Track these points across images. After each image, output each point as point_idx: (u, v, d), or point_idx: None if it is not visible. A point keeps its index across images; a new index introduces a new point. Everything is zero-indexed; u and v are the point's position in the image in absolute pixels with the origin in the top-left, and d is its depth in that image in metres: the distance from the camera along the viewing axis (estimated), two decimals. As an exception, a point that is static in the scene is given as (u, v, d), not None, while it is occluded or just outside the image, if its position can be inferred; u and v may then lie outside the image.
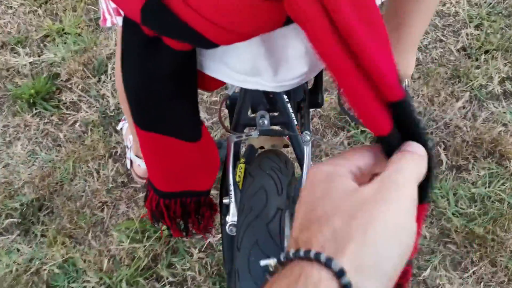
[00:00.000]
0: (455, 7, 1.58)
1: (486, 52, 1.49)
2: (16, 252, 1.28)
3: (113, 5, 0.77)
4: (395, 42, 0.91)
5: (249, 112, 0.92)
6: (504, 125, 1.38)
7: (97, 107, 1.57)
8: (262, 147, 0.98)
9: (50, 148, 1.49)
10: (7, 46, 1.78)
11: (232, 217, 0.79)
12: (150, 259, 1.24)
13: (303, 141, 0.87)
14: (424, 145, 0.36)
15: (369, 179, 0.34)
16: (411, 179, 0.32)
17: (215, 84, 0.66)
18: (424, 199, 0.36)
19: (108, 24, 0.78)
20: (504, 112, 1.40)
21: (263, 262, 0.32)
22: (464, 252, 1.20)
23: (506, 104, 1.41)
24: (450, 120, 1.40)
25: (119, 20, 0.71)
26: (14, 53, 1.75)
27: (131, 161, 1.31)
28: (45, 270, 1.24)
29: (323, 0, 0.34)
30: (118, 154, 1.46)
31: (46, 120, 1.56)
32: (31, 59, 1.72)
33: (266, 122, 0.87)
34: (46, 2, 1.91)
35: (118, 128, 1.46)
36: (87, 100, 1.59)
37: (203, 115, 1.52)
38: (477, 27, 1.54)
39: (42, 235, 1.30)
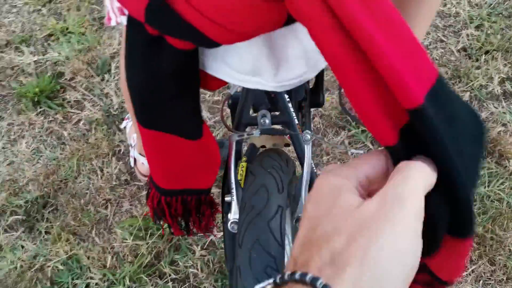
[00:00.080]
0: (455, 8, 1.59)
1: (487, 52, 1.50)
2: (20, 249, 1.30)
3: (117, 4, 0.79)
4: None
5: (250, 112, 0.94)
6: (504, 125, 1.39)
7: (101, 105, 1.58)
8: (263, 146, 0.99)
9: (54, 146, 1.51)
10: (11, 44, 1.80)
11: (234, 215, 0.80)
12: (153, 256, 1.25)
13: (303, 140, 0.88)
14: (444, 164, 0.32)
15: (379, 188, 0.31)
16: (416, 191, 0.29)
17: (217, 84, 0.68)
18: (464, 232, 0.33)
19: (113, 23, 0.79)
20: (504, 113, 1.41)
21: (258, 286, 0.30)
22: (463, 250, 1.21)
23: (506, 105, 1.42)
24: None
25: (123, 20, 0.73)
26: (19, 51, 1.77)
27: (135, 159, 1.33)
28: (49, 266, 1.26)
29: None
30: (121, 152, 1.47)
31: (50, 119, 1.57)
32: (35, 58, 1.74)
33: (267, 121, 0.89)
34: (50, 1, 1.93)
35: (122, 127, 1.48)
36: (91, 98, 1.60)
37: (205, 114, 1.54)
38: (477, 27, 1.55)
39: (46, 232, 1.32)
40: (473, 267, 1.19)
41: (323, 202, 0.30)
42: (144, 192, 1.38)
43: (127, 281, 1.21)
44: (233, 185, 0.83)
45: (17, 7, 1.94)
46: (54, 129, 1.55)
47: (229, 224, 0.80)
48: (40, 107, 1.60)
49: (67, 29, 1.82)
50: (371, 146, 1.39)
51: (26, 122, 1.57)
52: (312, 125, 1.29)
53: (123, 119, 1.52)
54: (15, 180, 1.43)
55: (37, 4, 1.91)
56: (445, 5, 1.59)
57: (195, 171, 0.75)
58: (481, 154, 0.37)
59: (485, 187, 1.29)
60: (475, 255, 1.20)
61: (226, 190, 0.89)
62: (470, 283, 1.17)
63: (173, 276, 1.22)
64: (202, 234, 0.88)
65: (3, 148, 1.52)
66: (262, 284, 0.30)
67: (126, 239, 1.28)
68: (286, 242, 0.91)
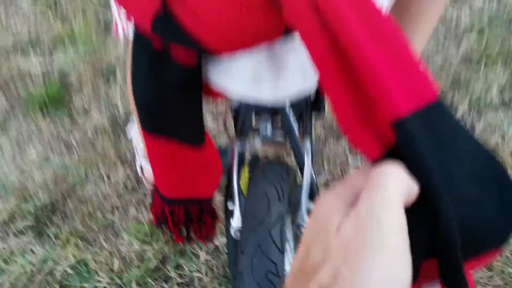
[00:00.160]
0: (457, 13, 1.61)
1: (486, 60, 1.53)
2: (30, 254, 1.33)
3: (124, 18, 0.82)
4: None
5: (253, 121, 0.97)
6: (502, 135, 1.41)
7: (107, 112, 1.62)
8: (266, 154, 1.03)
9: (63, 153, 1.55)
10: (17, 48, 1.84)
11: (236, 222, 0.83)
12: (159, 260, 1.29)
13: (303, 149, 0.92)
14: (430, 188, 0.29)
15: None
16: (392, 203, 0.26)
17: (219, 95, 0.71)
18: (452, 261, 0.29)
19: (120, 33, 0.83)
20: (502, 122, 1.43)
21: None
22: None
23: (504, 114, 1.45)
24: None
25: (130, 32, 0.76)
26: (25, 55, 1.81)
27: (142, 168, 1.36)
28: (58, 270, 1.29)
29: (319, 5, 0.35)
30: (128, 159, 1.51)
31: (58, 126, 1.61)
32: (41, 61, 1.77)
33: (268, 130, 0.92)
34: (55, 4, 1.96)
35: (128, 137, 1.52)
36: (97, 105, 1.64)
37: (209, 124, 1.57)
38: (478, 34, 1.57)
39: (55, 237, 1.36)
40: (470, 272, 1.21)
41: (315, 226, 0.29)
42: (150, 199, 1.41)
43: (134, 285, 1.24)
44: (236, 194, 0.86)
45: (23, 9, 1.97)
46: (62, 137, 1.59)
47: (232, 231, 0.83)
48: (48, 113, 1.63)
49: (73, 33, 1.85)
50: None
51: (35, 129, 1.61)
52: (313, 134, 1.32)
53: (128, 123, 1.55)
54: (25, 186, 1.47)
55: (43, 6, 1.94)
56: (446, 12, 1.62)
57: (197, 180, 0.78)
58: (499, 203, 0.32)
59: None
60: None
61: (229, 198, 0.92)
62: (469, 288, 1.20)
63: (178, 280, 1.26)
64: (202, 241, 0.91)
65: (13, 155, 1.56)
66: None
67: (133, 244, 1.31)
68: (288, 248, 0.95)
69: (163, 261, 1.29)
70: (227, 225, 0.93)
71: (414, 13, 0.89)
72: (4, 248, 1.35)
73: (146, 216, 1.38)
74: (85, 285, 1.27)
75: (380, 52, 0.32)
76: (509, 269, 1.20)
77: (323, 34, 0.34)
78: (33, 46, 1.82)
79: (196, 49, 0.52)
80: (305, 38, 0.36)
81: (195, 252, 1.29)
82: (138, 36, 0.57)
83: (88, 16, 1.87)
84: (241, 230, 0.80)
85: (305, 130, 1.06)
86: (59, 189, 1.45)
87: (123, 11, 0.86)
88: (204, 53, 0.53)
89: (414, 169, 0.29)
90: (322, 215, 0.28)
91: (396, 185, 0.27)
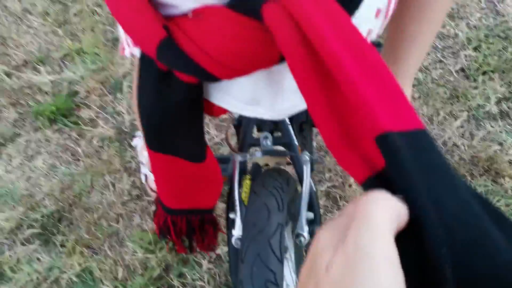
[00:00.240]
0: (454, 30, 1.64)
1: (484, 73, 1.55)
2: (36, 261, 1.36)
3: (131, 42, 0.86)
4: (396, 76, 0.97)
5: (254, 133, 1.00)
6: (500, 144, 1.44)
7: (113, 123, 1.66)
8: (267, 164, 1.05)
9: (69, 162, 1.58)
10: (29, 64, 1.89)
11: (237, 231, 0.86)
12: (162, 269, 1.31)
13: (303, 161, 0.94)
14: (414, 203, 0.28)
15: None
16: (381, 234, 0.25)
17: (220, 111, 0.74)
18: None
19: (127, 54, 0.86)
20: (500, 132, 1.46)
21: None
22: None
23: (502, 124, 1.47)
24: (449, 138, 1.46)
25: (136, 52, 0.80)
26: (36, 71, 1.86)
27: (146, 176, 1.40)
28: (64, 278, 1.32)
29: (308, 39, 0.38)
30: (132, 168, 1.54)
31: (65, 136, 1.65)
32: (51, 77, 1.82)
33: (269, 142, 0.95)
34: (65, 22, 2.02)
35: (133, 145, 1.55)
36: (104, 116, 1.68)
37: (213, 132, 1.60)
38: (475, 49, 1.60)
39: (61, 245, 1.39)
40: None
41: (308, 264, 0.28)
42: (154, 207, 1.44)
43: (138, 292, 1.27)
44: (237, 203, 0.89)
45: (34, 28, 2.03)
46: (69, 146, 1.62)
47: (233, 240, 0.86)
48: (56, 125, 1.67)
49: (82, 49, 1.90)
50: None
51: (43, 139, 1.65)
52: (314, 145, 1.35)
53: (134, 136, 1.59)
54: (32, 195, 1.51)
55: (53, 25, 2.00)
56: (444, 26, 1.65)
57: (199, 192, 0.81)
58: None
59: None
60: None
61: (230, 207, 0.95)
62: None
63: (181, 288, 1.28)
64: (204, 251, 0.94)
65: (21, 164, 1.59)
66: None
67: (137, 252, 1.34)
68: (288, 256, 0.97)
69: (166, 269, 1.32)
70: (229, 234, 0.96)
71: (412, 33, 0.91)
72: (10, 256, 1.38)
73: (150, 224, 1.40)
74: (90, 292, 1.29)
75: (368, 82, 0.34)
76: None
77: (311, 65, 0.37)
78: (43, 62, 1.86)
79: (198, 76, 0.55)
80: (293, 69, 0.39)
81: (197, 260, 1.32)
82: (144, 58, 0.60)
83: (96, 33, 1.91)
84: (242, 239, 0.82)
85: (305, 141, 1.09)
86: (66, 197, 1.49)
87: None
88: (206, 79, 0.56)
89: (400, 187, 0.29)
90: (314, 252, 0.27)
91: (383, 214, 0.26)
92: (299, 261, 1.00)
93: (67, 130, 1.66)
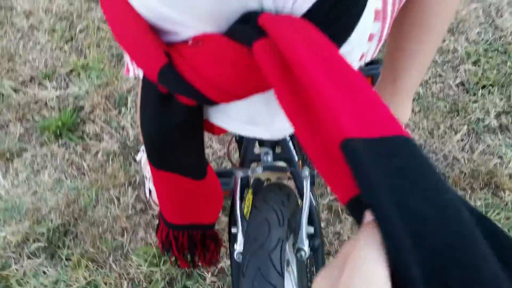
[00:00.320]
0: (453, 44, 1.67)
1: (483, 87, 1.57)
2: (42, 275, 1.38)
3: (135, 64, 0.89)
4: (392, 94, 0.99)
5: (255, 148, 1.02)
6: (500, 157, 1.45)
7: (117, 137, 1.69)
8: (269, 179, 1.07)
9: (75, 176, 1.61)
10: (35, 80, 1.93)
11: (239, 246, 0.88)
12: (167, 282, 1.33)
13: (303, 176, 0.96)
14: (378, 212, 0.27)
15: None
16: (373, 277, 0.25)
17: (220, 130, 0.77)
18: None
19: (131, 75, 0.89)
20: (500, 145, 1.47)
21: None
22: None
23: (502, 137, 1.49)
24: (449, 152, 1.48)
25: (140, 73, 0.82)
26: (42, 86, 1.89)
27: (150, 190, 1.42)
28: (69, 291, 1.34)
29: (289, 62, 0.41)
30: (137, 182, 1.57)
31: (71, 150, 1.68)
32: (57, 93, 1.86)
33: (269, 158, 0.97)
34: (72, 39, 2.06)
35: (137, 159, 1.57)
36: (109, 131, 1.71)
37: (215, 145, 1.63)
38: (474, 63, 1.62)
39: (67, 259, 1.40)
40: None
41: None
42: (157, 221, 1.46)
43: (142, 306, 1.28)
44: (239, 219, 0.91)
45: (41, 44, 2.07)
46: (75, 160, 1.65)
47: (235, 254, 0.87)
48: (62, 139, 1.70)
49: (87, 65, 1.94)
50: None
51: (49, 153, 1.68)
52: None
53: (138, 151, 1.61)
54: (38, 209, 1.53)
55: (60, 42, 2.04)
56: (443, 41, 1.67)
57: (200, 208, 0.83)
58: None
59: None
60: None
61: (232, 221, 0.97)
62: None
63: (184, 301, 1.30)
64: (206, 266, 0.95)
65: (27, 178, 1.62)
66: None
67: (141, 266, 1.36)
68: (290, 270, 0.99)
69: (171, 282, 1.33)
70: (231, 248, 0.98)
71: (410, 52, 0.93)
72: (17, 269, 1.40)
73: (154, 238, 1.42)
74: (95, 305, 1.31)
75: (342, 98, 0.36)
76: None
77: (293, 99, 0.40)
78: (49, 78, 1.90)
79: (197, 100, 0.57)
80: (279, 97, 0.42)
81: (201, 274, 1.33)
82: (146, 80, 0.63)
83: (101, 49, 1.95)
84: (243, 254, 0.84)
85: (305, 156, 1.11)
86: (71, 211, 1.51)
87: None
88: (204, 102, 0.59)
89: (362, 192, 0.30)
90: None
91: (376, 263, 0.25)
92: (301, 274, 1.01)
93: (72, 145, 1.69)
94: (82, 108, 1.79)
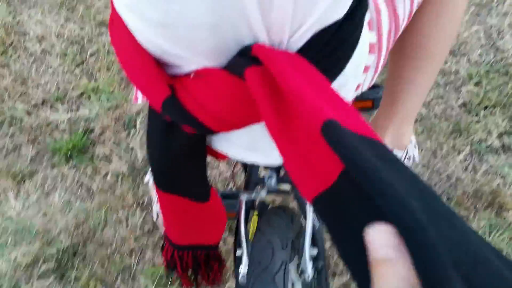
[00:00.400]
0: (455, 66, 1.70)
1: (485, 108, 1.59)
2: (52, 295, 1.41)
3: None
4: (390, 117, 1.01)
5: (260, 172, 1.05)
6: (503, 177, 1.46)
7: (126, 159, 1.72)
8: (273, 201, 1.10)
9: (84, 198, 1.64)
10: (47, 103, 1.97)
11: (244, 268, 0.90)
12: (173, 303, 1.35)
13: (305, 199, 0.99)
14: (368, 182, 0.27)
15: None
16: None
17: (223, 156, 0.79)
18: None
19: (139, 102, 0.93)
20: (503, 165, 1.49)
21: None
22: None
23: (505, 157, 1.50)
24: (452, 172, 1.50)
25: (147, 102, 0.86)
26: (54, 109, 1.94)
27: (157, 213, 1.44)
28: (78, 312, 1.36)
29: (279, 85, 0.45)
30: (145, 203, 1.60)
31: (81, 172, 1.71)
32: (68, 115, 1.90)
33: (273, 182, 1.00)
34: (82, 63, 2.12)
35: (145, 181, 1.60)
36: (118, 152, 1.75)
37: (222, 167, 1.65)
38: (476, 84, 1.65)
39: (76, 280, 1.43)
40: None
41: None
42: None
43: (149, 326, 1.30)
44: (243, 241, 0.93)
45: (53, 68, 2.13)
46: (84, 182, 1.68)
47: (240, 277, 0.90)
48: (72, 161, 1.74)
49: (98, 87, 1.98)
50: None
51: (59, 175, 1.72)
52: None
53: (146, 172, 1.64)
54: (48, 230, 1.56)
55: (71, 65, 2.09)
56: (445, 63, 1.70)
57: (203, 229, 0.86)
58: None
59: (486, 238, 1.35)
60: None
61: (237, 244, 0.99)
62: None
63: (191, 322, 1.31)
64: (210, 286, 0.98)
65: (37, 199, 1.66)
66: None
67: (149, 286, 1.38)
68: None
69: (177, 303, 1.35)
70: (236, 270, 1.00)
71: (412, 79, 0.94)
72: (27, 290, 1.42)
73: (161, 259, 1.44)
74: (103, 326, 1.33)
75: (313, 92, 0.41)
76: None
77: (282, 127, 0.44)
78: (61, 101, 1.95)
79: (198, 130, 0.60)
80: (266, 121, 0.46)
81: (207, 294, 1.35)
82: (151, 108, 0.66)
83: (112, 73, 2.00)
84: (247, 276, 0.86)
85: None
86: (80, 232, 1.54)
87: None
88: (205, 132, 0.62)
89: (349, 160, 0.30)
90: None
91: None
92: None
93: (82, 166, 1.72)
94: (92, 130, 1.83)
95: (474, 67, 1.68)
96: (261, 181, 1.02)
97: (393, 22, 0.69)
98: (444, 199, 1.45)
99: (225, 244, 1.43)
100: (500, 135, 1.54)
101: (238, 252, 0.95)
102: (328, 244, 1.44)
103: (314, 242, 0.98)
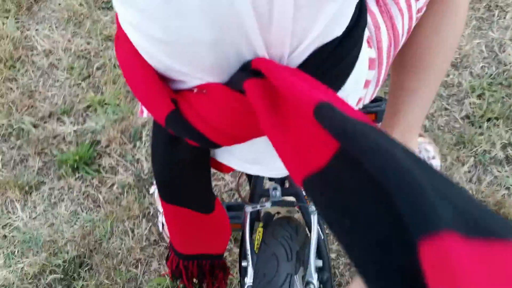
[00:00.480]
0: (458, 79, 1.71)
1: (489, 120, 1.60)
2: (58, 306, 1.42)
3: None
4: (392, 127, 1.02)
5: (265, 183, 1.06)
6: (507, 188, 1.47)
7: (132, 170, 1.74)
8: (278, 212, 1.11)
9: (90, 209, 1.66)
10: (54, 115, 2.00)
11: (249, 280, 0.91)
12: (178, 314, 1.35)
13: (310, 211, 1.00)
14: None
15: None
16: None
17: (228, 168, 0.81)
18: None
19: (145, 116, 0.95)
20: (507, 176, 1.49)
21: None
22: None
23: (509, 169, 1.51)
24: (457, 183, 1.50)
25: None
26: (61, 122, 1.97)
27: (163, 224, 1.46)
28: (84, 323, 1.37)
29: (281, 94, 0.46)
30: (151, 214, 1.61)
31: (87, 183, 1.73)
32: (75, 128, 1.93)
33: (278, 193, 1.01)
34: (89, 76, 2.15)
35: (151, 192, 1.62)
36: (124, 164, 1.76)
37: (227, 178, 1.67)
38: (479, 96, 1.66)
39: (82, 290, 1.44)
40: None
41: None
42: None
43: (154, 337, 1.31)
44: (249, 253, 0.94)
45: (60, 81, 2.16)
46: (91, 193, 1.70)
47: (245, 288, 0.91)
48: (79, 173, 1.76)
49: (104, 100, 2.01)
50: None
51: (66, 186, 1.73)
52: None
53: (152, 183, 1.66)
54: (55, 241, 1.58)
55: (78, 79, 2.12)
56: (448, 75, 1.72)
57: (208, 239, 0.87)
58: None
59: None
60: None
61: (243, 255, 1.00)
62: None
63: (196, 333, 1.31)
64: None
65: (44, 211, 1.67)
66: None
67: (154, 297, 1.39)
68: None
69: (182, 314, 1.36)
70: (241, 281, 1.00)
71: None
72: (34, 300, 1.44)
73: (167, 269, 1.45)
74: (109, 337, 1.33)
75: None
76: None
77: (283, 138, 0.46)
78: (68, 114, 1.97)
79: (201, 144, 0.62)
80: (267, 132, 0.47)
81: (212, 305, 1.36)
82: (155, 122, 0.68)
83: (118, 86, 2.02)
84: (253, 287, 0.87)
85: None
86: (86, 243, 1.55)
87: None
88: (208, 146, 0.63)
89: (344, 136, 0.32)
90: None
91: None
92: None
93: (89, 178, 1.74)
94: (98, 142, 1.86)
95: (476, 80, 1.69)
96: (266, 193, 1.03)
97: (392, 38, 0.70)
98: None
99: (231, 255, 1.43)
100: (504, 147, 1.55)
101: (244, 263, 0.96)
102: (333, 255, 1.44)
103: (319, 253, 0.99)
